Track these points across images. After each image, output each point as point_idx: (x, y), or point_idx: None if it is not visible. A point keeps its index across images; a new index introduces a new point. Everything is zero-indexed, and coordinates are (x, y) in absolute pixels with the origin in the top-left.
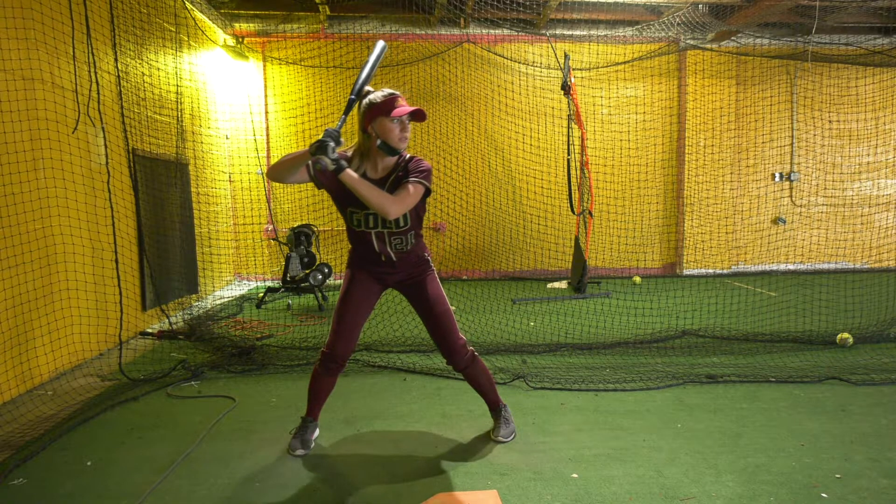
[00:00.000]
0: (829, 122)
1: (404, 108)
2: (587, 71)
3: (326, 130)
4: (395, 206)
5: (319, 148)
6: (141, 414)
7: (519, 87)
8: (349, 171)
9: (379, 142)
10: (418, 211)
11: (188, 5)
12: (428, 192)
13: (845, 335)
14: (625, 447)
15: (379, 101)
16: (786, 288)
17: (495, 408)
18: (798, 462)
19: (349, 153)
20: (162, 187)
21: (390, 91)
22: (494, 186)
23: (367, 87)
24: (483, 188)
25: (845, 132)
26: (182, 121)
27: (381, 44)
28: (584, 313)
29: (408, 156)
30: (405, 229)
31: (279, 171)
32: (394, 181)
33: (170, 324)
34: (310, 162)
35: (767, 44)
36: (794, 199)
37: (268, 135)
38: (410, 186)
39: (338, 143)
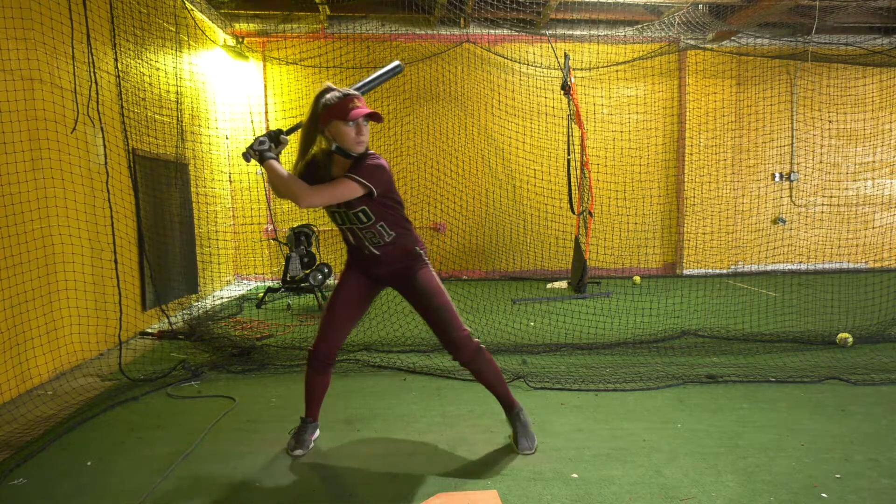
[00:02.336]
0: (829, 122)
1: (360, 109)
2: (587, 71)
3: (270, 131)
4: (308, 198)
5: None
6: (141, 414)
7: (519, 87)
8: (271, 162)
9: (334, 146)
10: (379, 205)
11: (188, 5)
12: (368, 189)
13: (845, 335)
14: (625, 447)
15: (334, 103)
16: (786, 288)
17: (511, 410)
18: (798, 462)
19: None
20: (162, 187)
21: (345, 92)
22: (494, 186)
23: (328, 84)
24: (483, 188)
25: (845, 132)
26: (182, 121)
27: (396, 62)
28: (584, 313)
29: (368, 152)
30: (370, 224)
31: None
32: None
33: (170, 324)
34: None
35: (767, 44)
36: (794, 199)
37: None
38: (341, 180)
39: (276, 141)
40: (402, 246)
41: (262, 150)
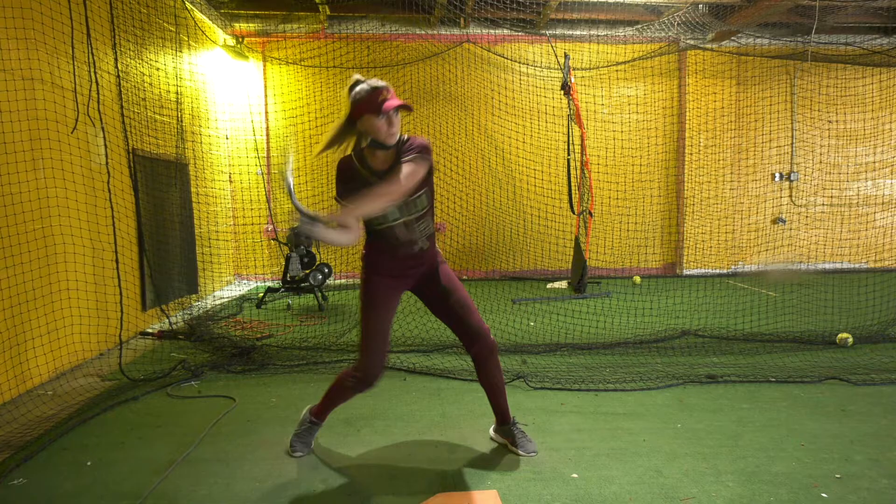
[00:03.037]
0: (829, 122)
1: (391, 102)
2: (587, 71)
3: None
4: (397, 189)
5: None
6: (141, 414)
7: (519, 87)
8: (328, 224)
9: (368, 140)
10: (430, 188)
11: (188, 5)
12: (430, 163)
13: (845, 335)
14: (625, 447)
15: (363, 97)
16: (786, 288)
17: (507, 422)
18: (798, 462)
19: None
20: (162, 187)
21: (374, 85)
22: (494, 186)
23: (357, 77)
24: (483, 188)
25: (845, 132)
26: (182, 121)
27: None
28: (584, 313)
29: (405, 137)
30: (426, 210)
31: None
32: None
33: (170, 324)
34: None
35: (767, 44)
36: (794, 199)
37: (268, 135)
38: (404, 167)
39: (312, 219)
40: (433, 239)
41: (308, 225)
